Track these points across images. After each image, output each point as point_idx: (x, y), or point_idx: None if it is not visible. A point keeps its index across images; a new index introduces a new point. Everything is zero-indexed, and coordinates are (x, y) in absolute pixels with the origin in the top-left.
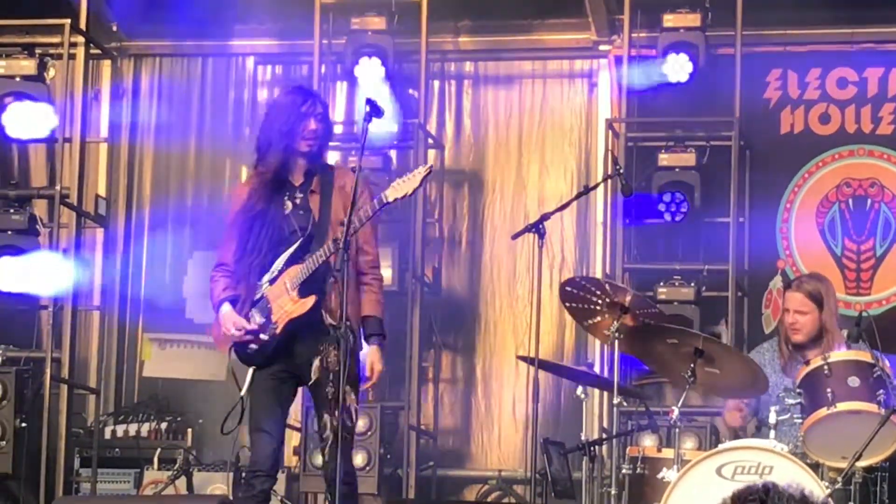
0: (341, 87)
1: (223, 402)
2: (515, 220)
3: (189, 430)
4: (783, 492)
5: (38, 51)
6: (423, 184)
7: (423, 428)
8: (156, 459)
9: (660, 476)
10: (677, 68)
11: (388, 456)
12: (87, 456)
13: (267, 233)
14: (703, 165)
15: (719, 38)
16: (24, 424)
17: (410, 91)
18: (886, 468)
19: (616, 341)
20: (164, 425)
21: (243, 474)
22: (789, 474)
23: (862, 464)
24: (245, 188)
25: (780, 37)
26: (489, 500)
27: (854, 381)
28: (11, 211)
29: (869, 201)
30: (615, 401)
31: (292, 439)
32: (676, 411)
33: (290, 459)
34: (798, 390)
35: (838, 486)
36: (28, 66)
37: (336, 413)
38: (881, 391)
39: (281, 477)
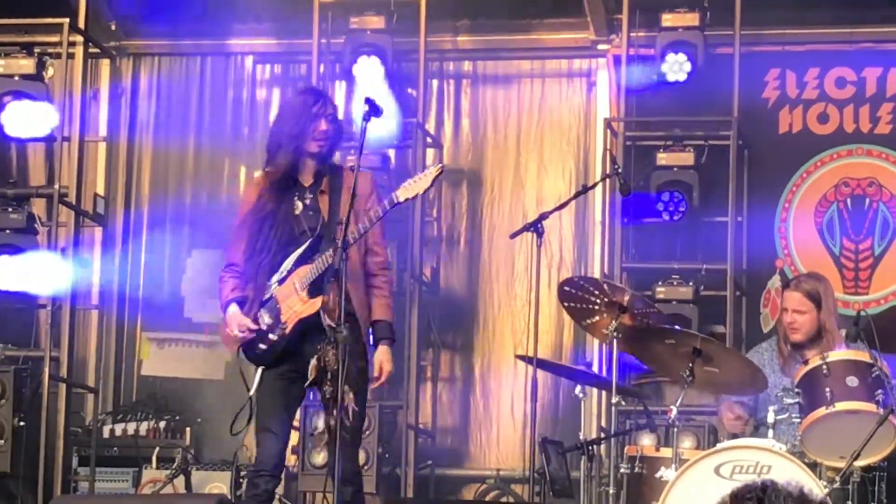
0: (340, 87)
1: (222, 401)
2: (514, 219)
3: (187, 428)
4: (781, 490)
5: (36, 50)
6: (435, 184)
7: (421, 427)
8: (154, 458)
9: (658, 475)
10: (676, 68)
11: (387, 455)
12: (85, 455)
13: (277, 233)
14: (701, 165)
15: (718, 38)
16: (22, 423)
17: (409, 90)
18: (884, 468)
19: (614, 340)
20: (162, 424)
21: (242, 473)
22: (787, 474)
23: (860, 463)
24: (254, 188)
25: (779, 36)
26: (487, 499)
27: (852, 381)
28: (10, 210)
29: (867, 201)
30: (613, 400)
31: (291, 439)
32: (675, 410)
33: (288, 458)
34: (796, 390)
35: (836, 485)
36: (27, 65)
37: (334, 412)
38: (879, 391)
39: None
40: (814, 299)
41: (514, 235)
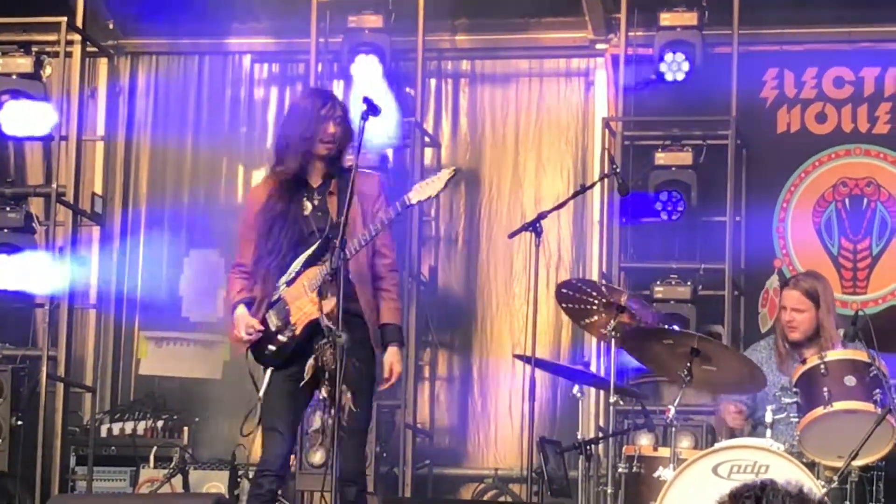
0: (338, 86)
1: (220, 401)
2: (512, 218)
3: (185, 428)
4: (780, 489)
5: (34, 49)
6: (448, 186)
7: (419, 426)
8: (152, 457)
9: (656, 475)
10: (674, 67)
11: (385, 454)
12: (83, 454)
13: (286, 234)
14: (699, 164)
15: (716, 37)
16: (20, 423)
17: (407, 89)
18: (882, 467)
19: (613, 340)
20: (160, 423)
21: (239, 472)
22: (785, 473)
23: (858, 463)
24: (263, 189)
25: (777, 36)
26: (485, 498)
27: (850, 381)
28: (7, 209)
29: (865, 200)
30: (611, 399)
31: None
32: (673, 410)
33: None
34: (794, 389)
35: (834, 485)
36: (24, 63)
37: (332, 411)
38: (877, 390)
39: None
40: (812, 298)
41: (512, 235)
